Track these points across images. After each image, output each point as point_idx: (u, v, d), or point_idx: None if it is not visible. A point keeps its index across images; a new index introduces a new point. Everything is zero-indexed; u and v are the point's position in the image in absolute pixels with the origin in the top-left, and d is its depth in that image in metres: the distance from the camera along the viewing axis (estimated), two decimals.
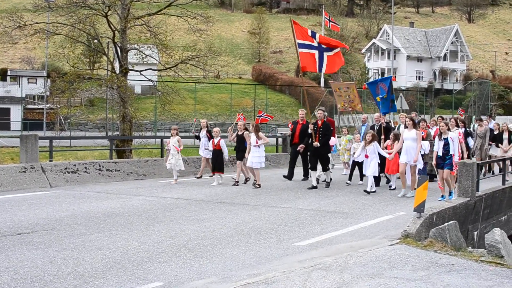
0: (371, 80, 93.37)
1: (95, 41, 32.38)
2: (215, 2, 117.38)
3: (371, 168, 17.26)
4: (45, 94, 62.25)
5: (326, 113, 19.15)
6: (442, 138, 15.63)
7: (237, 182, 18.83)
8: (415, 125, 16.55)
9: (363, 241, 10.51)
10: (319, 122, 18.26)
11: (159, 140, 26.89)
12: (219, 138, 19.42)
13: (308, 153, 19.17)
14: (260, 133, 18.60)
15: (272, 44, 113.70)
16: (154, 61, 33.42)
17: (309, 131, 18.50)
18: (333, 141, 20.13)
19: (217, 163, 19.21)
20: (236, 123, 20.55)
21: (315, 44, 18.72)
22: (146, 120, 47.91)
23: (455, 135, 15.93)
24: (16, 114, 67.44)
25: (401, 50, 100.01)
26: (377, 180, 18.24)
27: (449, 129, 16.37)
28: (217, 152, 19.28)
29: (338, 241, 10.53)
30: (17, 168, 17.74)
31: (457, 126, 20.03)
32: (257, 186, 18.14)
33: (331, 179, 18.92)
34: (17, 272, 8.33)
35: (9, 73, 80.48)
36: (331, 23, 63.78)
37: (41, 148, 20.17)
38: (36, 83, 73.35)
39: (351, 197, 16.12)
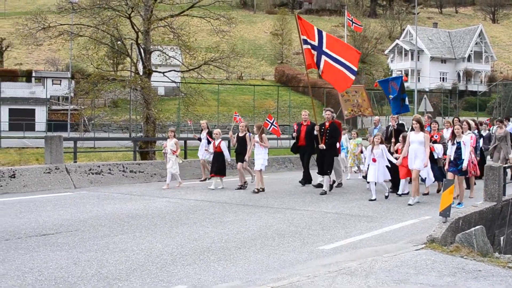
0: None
1: (119, 42, 32.60)
2: (238, 3, 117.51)
3: (381, 173, 16.23)
4: (69, 95, 62.70)
5: (334, 115, 18.54)
6: (455, 141, 15.10)
7: (241, 185, 18.33)
8: (423, 127, 15.70)
9: (388, 245, 10.41)
10: (327, 124, 17.63)
11: (182, 141, 26.92)
12: (220, 140, 18.66)
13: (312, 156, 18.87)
14: (263, 135, 18.05)
15: (294, 45, 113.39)
16: (178, 62, 33.52)
17: (315, 132, 17.77)
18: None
19: (218, 166, 18.38)
20: (237, 125, 19.97)
21: (315, 43, 17.71)
22: (169, 122, 48.07)
23: (467, 139, 15.10)
24: (40, 115, 68.00)
25: (425, 51, 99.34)
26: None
27: (463, 132, 15.50)
28: (218, 155, 18.47)
29: (362, 245, 10.45)
30: (42, 169, 17.87)
31: (469, 128, 19.71)
32: (260, 190, 17.54)
33: (331, 185, 18.06)
34: (41, 273, 8.35)
35: (34, 74, 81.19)
36: (354, 24, 63.48)
37: (65, 149, 20.30)
38: (60, 84, 73.90)
39: (376, 201, 16.00)
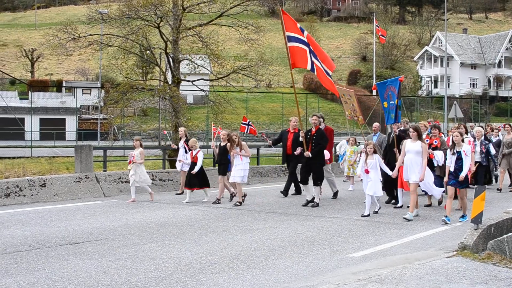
0: (423, 88, 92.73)
1: (148, 52, 32.80)
2: (266, 12, 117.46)
3: (374, 186, 14.56)
4: (99, 105, 63.14)
5: (321, 120, 17.19)
6: (455, 151, 13.57)
7: (219, 199, 16.69)
8: (420, 136, 14.23)
9: (419, 252, 10.31)
10: (313, 130, 16.42)
11: (211, 150, 26.95)
12: (198, 150, 17.21)
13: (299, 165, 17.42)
14: (243, 144, 16.65)
15: None
16: (206, 71, 33.66)
17: (300, 139, 16.56)
18: (326, 155, 16.99)
19: (194, 177, 16.88)
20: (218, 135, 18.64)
21: (304, 38, 16.58)
22: (198, 130, 48.19)
23: (469, 149, 13.70)
24: (71, 125, 68.62)
25: (455, 57, 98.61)
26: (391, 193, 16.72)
27: (463, 141, 14.01)
28: (195, 166, 16.95)
29: (393, 253, 10.35)
30: (72, 178, 18.00)
31: (466, 132, 18.53)
32: (238, 203, 16.16)
33: (312, 201, 16.51)
34: (71, 282, 8.38)
35: (64, 84, 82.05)
36: (380, 35, 63.23)
37: (95, 158, 20.45)
38: (90, 94, 74.65)
39: (406, 208, 15.83)
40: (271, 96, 74.11)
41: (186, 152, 18.22)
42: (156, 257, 9.88)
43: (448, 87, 75.07)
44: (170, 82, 31.44)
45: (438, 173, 16.01)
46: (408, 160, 14.06)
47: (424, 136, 16.00)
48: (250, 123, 21.02)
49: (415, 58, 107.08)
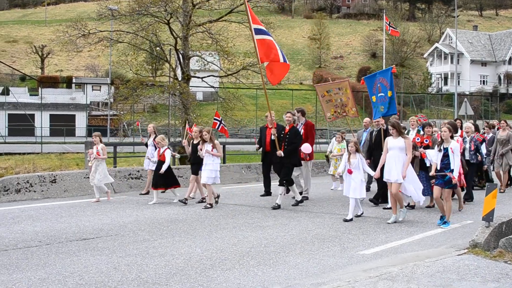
0: (433, 85, 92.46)
1: (158, 48, 32.80)
2: (276, 9, 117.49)
3: (357, 188, 13.56)
4: (109, 101, 63.38)
5: (296, 117, 16.29)
6: (442, 147, 12.65)
7: (186, 199, 15.79)
8: (400, 132, 13.20)
9: (430, 250, 10.27)
10: (287, 128, 15.54)
11: (221, 146, 26.93)
12: (166, 147, 16.18)
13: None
14: (216, 142, 15.53)
15: (332, 50, 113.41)
16: (216, 67, 33.63)
17: (272, 137, 15.60)
18: (308, 148, 16.07)
19: (161, 177, 15.89)
20: (187, 133, 17.54)
21: (264, 28, 15.73)
22: (208, 126, 48.20)
23: (456, 146, 12.61)
24: (81, 121, 68.80)
25: (465, 54, 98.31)
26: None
27: (452, 137, 12.83)
28: (162, 164, 15.96)
29: (403, 250, 10.32)
30: (82, 174, 18.05)
31: (478, 130, 17.62)
32: (208, 206, 15.13)
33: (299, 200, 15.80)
34: (82, 277, 8.40)
35: (74, 80, 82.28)
36: (391, 28, 63.04)
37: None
38: (100, 90, 74.81)
39: (417, 206, 15.77)
40: (280, 93, 74.02)
41: (155, 150, 16.88)
42: (166, 253, 9.89)
43: (458, 84, 74.91)
44: (180, 79, 31.44)
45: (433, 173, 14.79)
46: (391, 158, 13.11)
47: (414, 133, 15.79)
48: (222, 120, 19.67)
49: (425, 55, 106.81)
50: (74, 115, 70.68)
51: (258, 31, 15.53)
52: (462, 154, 15.85)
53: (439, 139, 13.01)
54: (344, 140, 19.24)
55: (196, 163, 15.97)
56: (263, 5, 35.47)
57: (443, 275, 8.31)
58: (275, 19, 42.84)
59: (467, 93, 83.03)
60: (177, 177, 16.77)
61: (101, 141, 16.46)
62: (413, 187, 13.39)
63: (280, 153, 15.17)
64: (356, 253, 10.10)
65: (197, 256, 9.71)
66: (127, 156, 30.90)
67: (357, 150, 13.75)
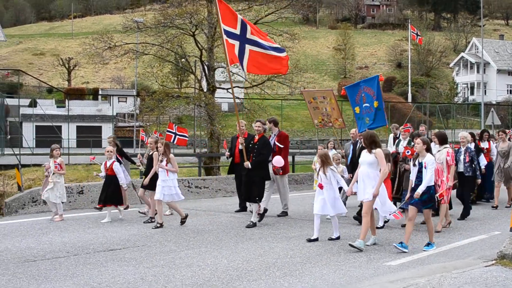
0: (460, 95, 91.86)
1: (183, 60, 33.03)
2: (300, 19, 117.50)
3: (332, 204, 12.13)
4: (135, 112, 63.76)
5: (267, 127, 15.05)
6: (416, 162, 11.41)
7: (152, 218, 14.51)
8: (377, 144, 11.49)
9: (457, 261, 10.20)
10: (256, 137, 14.34)
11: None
12: (113, 160, 15.03)
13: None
14: (171, 156, 14.05)
15: (357, 60, 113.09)
16: (241, 78, 33.75)
17: (240, 147, 14.48)
18: (280, 161, 14.36)
19: (108, 193, 14.82)
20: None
21: (237, 31, 14.78)
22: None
23: (431, 160, 11.24)
24: (107, 132, 69.08)
25: (491, 63, 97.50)
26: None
27: (427, 150, 11.45)
28: (110, 179, 14.92)
29: (430, 261, 10.26)
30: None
31: (442, 142, 14.26)
32: (158, 225, 13.75)
33: (262, 214, 14.47)
34: None
35: (100, 92, 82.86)
36: (418, 36, 62.78)
37: (131, 165, 20.55)
38: (126, 101, 75.29)
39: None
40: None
41: (120, 163, 15.60)
42: (192, 264, 9.93)
43: (485, 93, 74.22)
44: (205, 90, 31.60)
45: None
46: (360, 175, 11.57)
47: (405, 143, 14.84)
48: (176, 131, 16.99)
49: (451, 65, 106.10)
50: (100, 127, 71.12)
51: (227, 33, 14.73)
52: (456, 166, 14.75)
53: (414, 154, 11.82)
54: (332, 150, 17.56)
55: (150, 177, 14.45)
56: (288, 16, 35.48)
57: (470, 287, 8.26)
58: (300, 29, 42.85)
59: (494, 102, 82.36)
60: (203, 188, 16.52)
61: (60, 155, 15.12)
62: (386, 206, 11.73)
63: (247, 164, 13.95)
64: (383, 264, 10.07)
65: (223, 267, 9.74)
66: None
67: (326, 163, 12.21)
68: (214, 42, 29.94)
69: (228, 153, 16.56)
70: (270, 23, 32.28)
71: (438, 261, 10.25)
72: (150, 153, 14.81)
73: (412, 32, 66.96)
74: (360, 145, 14.38)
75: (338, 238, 12.23)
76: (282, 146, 15.19)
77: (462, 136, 16.28)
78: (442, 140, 13.99)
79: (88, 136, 64.82)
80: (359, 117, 15.83)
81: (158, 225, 13.70)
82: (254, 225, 13.83)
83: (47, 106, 67.73)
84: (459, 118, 71.57)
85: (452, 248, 11.52)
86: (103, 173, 15.14)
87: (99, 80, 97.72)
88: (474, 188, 16.89)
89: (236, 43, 14.71)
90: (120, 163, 15.65)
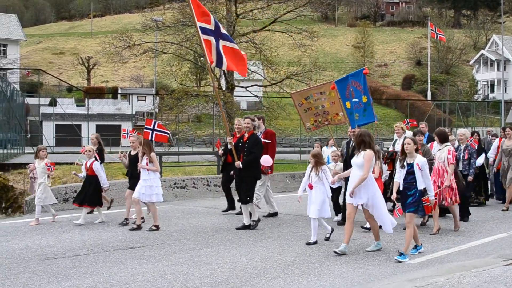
0: (480, 92, 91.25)
1: (202, 58, 33.08)
2: (319, 17, 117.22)
3: (318, 206, 11.51)
4: (154, 111, 63.94)
5: (256, 123, 14.42)
6: (405, 163, 10.64)
7: (127, 219, 14.11)
8: (366, 144, 10.69)
9: (476, 260, 10.13)
10: (246, 135, 13.67)
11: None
12: (93, 160, 14.47)
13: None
14: (152, 154, 13.38)
15: (377, 58, 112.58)
16: (260, 77, 33.76)
17: (229, 146, 13.99)
18: (268, 161, 13.88)
19: (88, 193, 14.28)
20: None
21: (212, 27, 14.18)
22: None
23: (423, 161, 10.59)
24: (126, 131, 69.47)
25: (511, 60, 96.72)
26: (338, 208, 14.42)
27: (417, 150, 10.85)
28: (90, 179, 14.40)
29: (450, 260, 10.21)
30: (128, 183, 18.21)
31: (443, 141, 13.53)
32: (154, 228, 13.15)
33: (258, 219, 13.66)
34: (128, 285, 8.50)
35: (119, 91, 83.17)
36: (439, 34, 62.39)
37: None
38: (145, 100, 75.53)
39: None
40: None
41: (100, 162, 15.16)
42: (211, 262, 9.95)
43: (505, 91, 73.71)
44: (224, 88, 31.64)
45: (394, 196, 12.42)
46: (351, 177, 10.90)
47: (401, 142, 13.31)
48: (156, 127, 16.21)
49: (471, 62, 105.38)
50: (119, 125, 71.33)
51: (203, 30, 14.08)
52: (456, 164, 14.00)
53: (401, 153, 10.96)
54: (332, 147, 17.19)
55: (133, 178, 14.00)
56: (307, 14, 35.46)
57: (490, 286, 8.20)
58: (319, 27, 42.80)
59: None
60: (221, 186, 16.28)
61: (46, 157, 14.69)
62: (381, 212, 10.85)
63: (238, 164, 13.37)
64: (402, 262, 10.03)
65: (242, 265, 9.75)
66: (173, 166, 31.08)
67: (318, 162, 11.75)
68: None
69: (222, 152, 15.66)
70: (289, 21, 32.28)
71: (457, 260, 10.20)
72: (133, 153, 14.13)
73: (431, 30, 66.60)
74: (353, 144, 13.66)
75: (315, 242, 11.52)
76: (269, 141, 14.71)
77: (460, 133, 15.57)
78: (443, 139, 13.37)
79: (108, 135, 65.09)
80: (351, 112, 15.19)
81: (136, 227, 13.20)
82: (258, 221, 13.46)
83: (67, 105, 68.17)
84: (479, 116, 71.11)
85: (472, 246, 11.45)
86: (83, 173, 14.67)
87: (119, 79, 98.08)
88: (475, 189, 16.60)
89: (212, 39, 14.13)
90: (100, 162, 15.01)
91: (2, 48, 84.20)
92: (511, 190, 16.67)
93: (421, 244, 10.75)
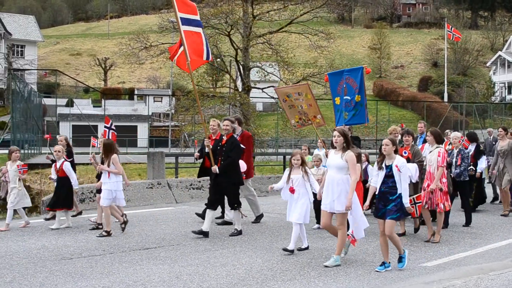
0: (497, 94, 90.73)
1: (218, 59, 33.12)
2: (335, 19, 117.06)
3: (299, 210, 10.78)
4: (170, 112, 64.08)
5: (236, 126, 13.74)
6: (383, 165, 9.79)
7: (99, 224, 13.39)
8: (348, 143, 9.94)
9: (494, 263, 10.07)
10: (224, 138, 12.92)
11: (281, 157, 26.82)
12: (63, 160, 13.73)
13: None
14: (114, 156, 12.86)
15: (393, 59, 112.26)
16: (276, 78, 33.76)
17: (206, 149, 13.12)
18: (243, 166, 13.28)
19: (61, 196, 13.62)
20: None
21: (198, 17, 13.56)
22: (268, 137, 48.35)
23: (403, 162, 9.74)
24: (142, 132, 69.67)
25: None
26: None
27: (396, 152, 9.89)
28: (62, 181, 13.69)
29: (466, 263, 10.15)
30: (144, 184, 18.30)
31: (438, 142, 12.42)
32: (104, 233, 12.48)
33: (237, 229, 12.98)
34: (144, 286, 8.52)
35: (136, 92, 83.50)
36: (455, 35, 62.07)
37: (166, 165, 20.71)
38: (161, 101, 75.75)
39: (479, 217, 15.47)
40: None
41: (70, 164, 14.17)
42: (227, 263, 9.95)
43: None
44: (240, 90, 31.67)
45: (411, 192, 11.93)
46: (329, 180, 10.02)
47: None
48: (113, 126, 16.07)
49: (488, 64, 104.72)
50: (136, 126, 71.64)
51: (186, 21, 13.27)
52: (448, 169, 13.52)
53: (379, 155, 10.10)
54: (322, 150, 15.52)
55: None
56: (323, 15, 35.39)
57: None
58: (335, 29, 42.86)
59: None
60: None
61: (19, 158, 14.20)
62: (357, 217, 10.28)
63: (214, 169, 12.63)
64: (418, 265, 9.99)
65: (258, 266, 9.75)
66: (188, 167, 31.13)
67: (303, 164, 11.03)
68: (249, 41, 30.03)
69: (198, 154, 14.14)
70: (305, 22, 32.26)
71: (474, 263, 10.14)
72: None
73: (448, 31, 66.23)
74: None
75: (292, 251, 10.76)
76: (244, 147, 13.59)
77: (454, 136, 14.73)
78: (439, 140, 12.40)
79: (124, 136, 65.35)
80: (338, 109, 14.49)
81: (105, 233, 12.49)
82: (239, 233, 12.67)
83: (83, 106, 68.43)
84: (496, 118, 70.67)
85: (489, 249, 11.39)
86: (54, 175, 14.03)
87: (135, 80, 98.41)
88: (470, 192, 15.51)
89: (200, 30, 13.46)
90: (71, 163, 14.15)
91: (20, 49, 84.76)
92: (507, 192, 16.07)
93: (389, 262, 9.67)
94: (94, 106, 75.82)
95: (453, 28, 63.70)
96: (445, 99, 76.79)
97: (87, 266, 9.72)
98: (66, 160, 13.89)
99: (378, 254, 10.70)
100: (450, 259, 10.43)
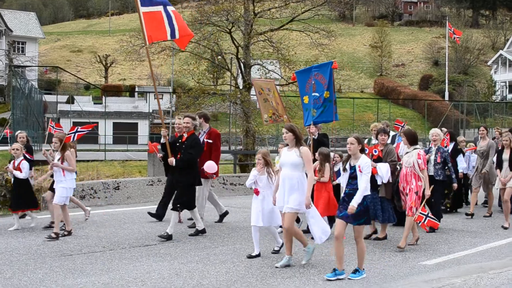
0: (498, 93, 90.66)
1: (219, 57, 33.09)
2: (337, 16, 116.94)
3: (269, 213, 10.34)
4: (171, 109, 64.06)
5: (197, 122, 12.95)
6: (347, 166, 9.21)
7: (51, 222, 12.89)
8: (299, 139, 9.55)
9: (494, 262, 10.09)
10: (184, 135, 12.37)
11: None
12: (21, 158, 13.09)
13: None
14: (67, 153, 12.36)
15: (394, 57, 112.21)
16: (277, 76, 33.71)
17: (162, 140, 12.65)
18: (213, 167, 12.61)
19: (22, 197, 13.12)
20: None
21: None
22: (268, 135, 48.33)
23: (366, 163, 9.02)
24: (143, 129, 69.72)
25: None
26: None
27: (363, 151, 9.21)
28: (20, 180, 13.13)
29: (466, 261, 10.16)
30: (144, 181, 18.30)
31: (412, 143, 11.74)
32: (53, 236, 11.78)
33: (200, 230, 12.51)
34: (144, 283, 8.53)
35: (136, 89, 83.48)
36: (456, 37, 62.01)
37: None
38: (162, 98, 75.66)
39: (480, 216, 15.47)
40: (341, 101, 73.16)
41: (28, 161, 13.43)
42: (227, 260, 9.96)
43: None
44: (241, 87, 31.64)
45: (383, 194, 12.03)
46: (284, 179, 9.58)
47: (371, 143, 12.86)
48: (79, 129, 13.86)
49: (489, 63, 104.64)
50: (136, 123, 71.64)
51: (146, 2, 12.70)
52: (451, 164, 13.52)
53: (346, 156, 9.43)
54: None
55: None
56: (324, 13, 35.40)
57: None
58: (336, 27, 42.84)
59: None
60: (238, 185, 16.21)
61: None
62: (315, 219, 9.93)
63: (171, 161, 12.17)
64: (418, 263, 9.99)
65: (257, 263, 9.75)
66: None
67: (267, 164, 10.42)
68: (250, 39, 29.96)
69: (161, 155, 13.16)
70: (306, 20, 32.18)
71: (474, 261, 10.15)
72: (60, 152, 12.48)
73: (449, 30, 66.15)
74: (309, 142, 13.46)
75: (259, 255, 10.33)
76: (211, 141, 13.52)
77: (434, 133, 13.80)
78: (412, 140, 11.74)
79: (125, 133, 65.37)
80: (307, 108, 13.92)
81: (54, 235, 11.84)
82: (169, 237, 11.86)
83: (84, 103, 68.53)
84: (497, 117, 70.66)
85: (489, 248, 11.39)
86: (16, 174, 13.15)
87: (136, 77, 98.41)
88: (444, 193, 14.57)
89: (161, 9, 12.77)
90: (30, 161, 13.55)
91: (20, 45, 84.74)
92: (492, 195, 15.85)
93: (364, 269, 9.18)
94: (94, 103, 75.82)
95: (453, 29, 63.60)
96: (446, 97, 76.70)
97: (87, 263, 9.73)
98: (26, 159, 13.26)
99: (378, 252, 10.72)
100: (450, 258, 10.43)
